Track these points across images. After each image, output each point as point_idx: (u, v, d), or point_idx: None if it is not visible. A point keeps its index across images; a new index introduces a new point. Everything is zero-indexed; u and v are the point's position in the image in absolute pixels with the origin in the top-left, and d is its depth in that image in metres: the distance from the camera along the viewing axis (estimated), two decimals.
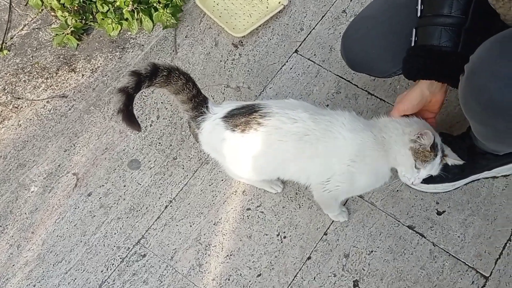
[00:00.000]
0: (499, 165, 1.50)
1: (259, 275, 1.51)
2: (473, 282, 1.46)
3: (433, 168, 1.26)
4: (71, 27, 1.84)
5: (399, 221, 1.55)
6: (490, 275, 1.46)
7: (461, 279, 1.46)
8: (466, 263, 1.48)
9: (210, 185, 1.63)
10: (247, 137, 1.29)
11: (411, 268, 1.49)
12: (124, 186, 1.64)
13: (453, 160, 1.29)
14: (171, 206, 1.61)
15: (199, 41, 1.87)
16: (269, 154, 1.32)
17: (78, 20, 1.86)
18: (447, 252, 1.50)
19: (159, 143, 1.70)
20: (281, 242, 1.55)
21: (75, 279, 1.52)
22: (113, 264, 1.54)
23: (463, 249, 1.50)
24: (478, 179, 1.57)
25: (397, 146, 1.26)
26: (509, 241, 1.50)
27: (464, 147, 1.44)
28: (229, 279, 1.51)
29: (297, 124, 1.27)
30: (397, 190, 1.58)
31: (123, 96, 1.19)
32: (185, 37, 1.88)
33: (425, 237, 1.52)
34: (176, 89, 1.28)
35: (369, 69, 1.48)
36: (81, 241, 1.57)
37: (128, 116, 1.22)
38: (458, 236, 1.52)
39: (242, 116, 1.29)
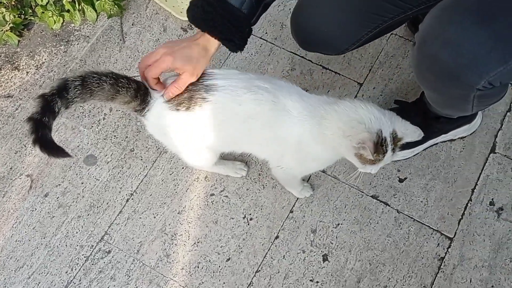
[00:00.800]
0: (454, 128, 1.53)
1: (229, 259, 1.49)
2: (438, 244, 1.48)
3: (386, 162, 1.20)
4: (10, 23, 1.75)
5: (362, 192, 1.55)
6: (454, 236, 1.49)
7: (427, 242, 1.49)
8: (431, 226, 1.50)
9: (171, 174, 1.60)
10: (193, 115, 1.19)
11: (378, 237, 1.50)
12: (82, 183, 1.59)
13: (410, 138, 1.21)
14: (132, 199, 1.57)
15: (147, 28, 1.82)
16: (217, 132, 1.25)
17: (16, 16, 1.77)
18: (412, 218, 1.52)
19: (114, 135, 1.65)
20: (248, 224, 1.53)
21: (39, 283, 1.47)
22: (78, 263, 1.49)
23: (426, 213, 1.52)
24: (436, 144, 1.59)
25: (342, 149, 1.19)
26: (470, 201, 1.53)
27: (419, 113, 1.45)
28: (198, 267, 1.48)
29: (241, 107, 1.18)
30: None
31: (33, 125, 1.06)
32: (132, 24, 1.82)
33: (389, 205, 1.53)
34: (109, 95, 1.13)
35: (322, 47, 1.44)
36: (41, 244, 1.52)
37: (46, 144, 1.08)
38: (421, 201, 1.54)
39: (185, 91, 1.17)
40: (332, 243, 1.50)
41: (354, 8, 1.30)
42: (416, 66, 1.19)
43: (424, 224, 1.51)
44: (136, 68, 1.74)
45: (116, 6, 1.76)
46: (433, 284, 1.44)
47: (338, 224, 1.52)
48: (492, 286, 1.42)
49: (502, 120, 1.62)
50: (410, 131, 1.18)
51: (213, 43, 1.14)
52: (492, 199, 1.52)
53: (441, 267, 1.46)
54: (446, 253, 1.47)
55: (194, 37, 1.16)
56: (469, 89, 1.11)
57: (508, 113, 1.62)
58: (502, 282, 1.43)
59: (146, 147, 1.63)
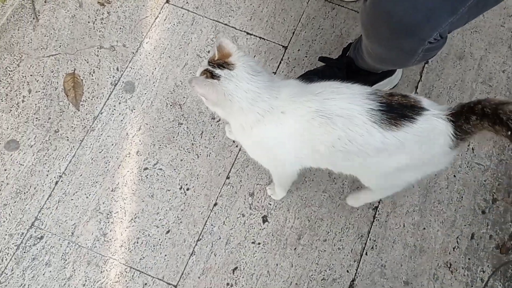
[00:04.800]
0: (377, 80, 1.55)
1: (168, 231, 1.47)
2: None
3: None
4: None
5: None
6: None
7: None
8: None
9: (100, 152, 1.54)
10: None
11: (314, 193, 1.53)
12: (5, 170, 1.50)
13: None
14: (61, 181, 1.50)
15: (61, 5, 1.73)
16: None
17: None
18: None
19: (36, 118, 1.57)
20: (185, 194, 1.51)
21: None
22: (8, 253, 1.41)
23: None
24: None
25: None
26: None
27: (342, 67, 1.48)
28: (137, 242, 1.45)
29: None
30: None
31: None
32: (45, 1, 1.73)
33: None
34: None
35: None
36: None
37: None
38: None
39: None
40: (270, 204, 1.51)
41: None
42: (369, 23, 1.17)
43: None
44: (54, 47, 1.66)
45: None
46: (369, 232, 1.49)
47: None
48: (424, 228, 1.49)
49: (421, 72, 1.68)
50: None
51: None
52: None
53: (376, 215, 1.51)
54: (379, 202, 1.52)
55: None
56: (421, 43, 1.12)
57: (426, 65, 1.69)
58: (433, 223, 1.50)
59: (72, 126, 1.57)
